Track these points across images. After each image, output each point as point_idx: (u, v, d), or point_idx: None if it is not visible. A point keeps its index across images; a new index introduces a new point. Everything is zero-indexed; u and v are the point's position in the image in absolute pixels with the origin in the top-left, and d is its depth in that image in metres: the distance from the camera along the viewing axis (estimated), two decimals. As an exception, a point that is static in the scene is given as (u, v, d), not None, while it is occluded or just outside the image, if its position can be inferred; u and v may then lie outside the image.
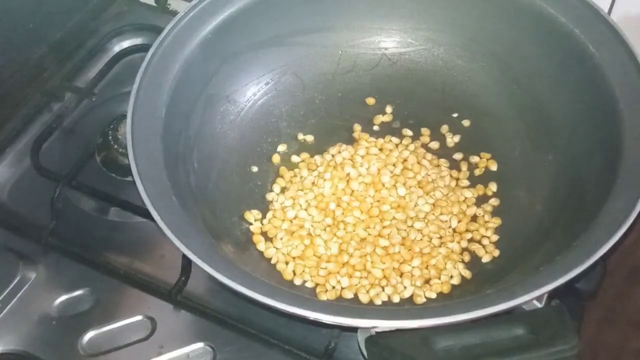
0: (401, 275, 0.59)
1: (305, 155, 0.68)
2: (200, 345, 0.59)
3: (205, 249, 0.52)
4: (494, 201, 0.64)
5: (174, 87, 0.62)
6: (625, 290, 0.75)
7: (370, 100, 0.71)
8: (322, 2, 0.70)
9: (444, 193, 0.64)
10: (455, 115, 0.70)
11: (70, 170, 0.67)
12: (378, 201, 0.64)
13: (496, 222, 0.62)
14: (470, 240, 0.61)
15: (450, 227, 0.62)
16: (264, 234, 0.63)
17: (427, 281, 0.59)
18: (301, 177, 0.66)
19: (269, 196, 0.65)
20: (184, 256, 0.53)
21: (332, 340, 0.57)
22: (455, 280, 0.59)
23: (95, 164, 0.70)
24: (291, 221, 0.63)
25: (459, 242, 0.61)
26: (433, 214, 0.62)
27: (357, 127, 0.70)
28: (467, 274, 0.59)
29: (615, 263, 0.72)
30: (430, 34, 0.72)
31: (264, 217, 0.64)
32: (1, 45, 0.73)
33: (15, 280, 0.62)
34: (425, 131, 0.69)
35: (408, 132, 0.69)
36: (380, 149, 0.67)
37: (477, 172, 0.66)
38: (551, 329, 0.47)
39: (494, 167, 0.66)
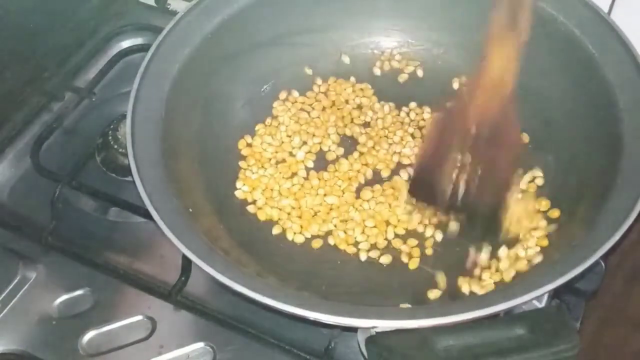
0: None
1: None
2: (200, 345, 0.59)
3: (205, 249, 0.52)
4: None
5: (174, 87, 0.62)
6: (625, 290, 0.75)
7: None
8: (322, 2, 0.70)
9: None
10: (455, 115, 0.70)
11: (70, 170, 0.67)
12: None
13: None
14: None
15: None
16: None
17: None
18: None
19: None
20: (184, 256, 0.53)
21: (332, 340, 0.57)
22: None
23: (95, 164, 0.70)
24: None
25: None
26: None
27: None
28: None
29: (615, 263, 0.72)
30: (430, 34, 0.72)
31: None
32: (1, 45, 0.73)
33: (15, 280, 0.62)
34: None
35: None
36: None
37: (477, 172, 0.66)
38: (551, 329, 0.47)
39: (493, 167, 0.66)
